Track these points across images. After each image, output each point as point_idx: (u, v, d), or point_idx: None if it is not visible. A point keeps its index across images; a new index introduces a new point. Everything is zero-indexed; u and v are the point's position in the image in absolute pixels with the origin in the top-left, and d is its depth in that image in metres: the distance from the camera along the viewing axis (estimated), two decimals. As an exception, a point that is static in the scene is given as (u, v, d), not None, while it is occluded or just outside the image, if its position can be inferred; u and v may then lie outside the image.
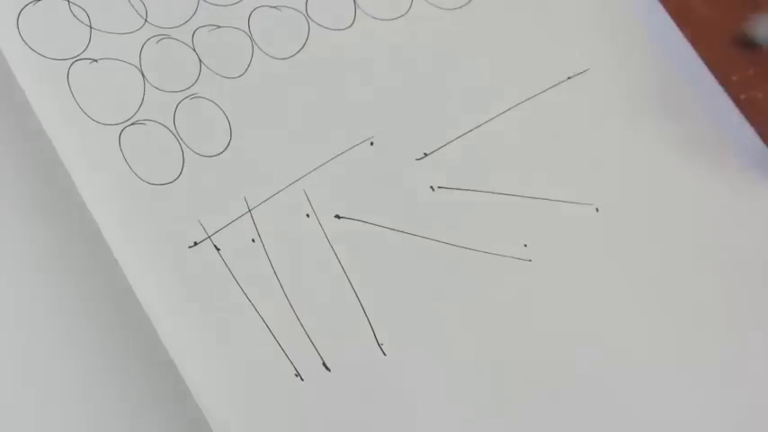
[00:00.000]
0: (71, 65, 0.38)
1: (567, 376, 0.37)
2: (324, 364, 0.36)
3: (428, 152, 0.40)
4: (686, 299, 0.39)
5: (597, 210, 0.40)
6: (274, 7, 0.41)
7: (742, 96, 0.42)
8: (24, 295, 0.36)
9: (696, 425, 0.37)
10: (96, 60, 0.39)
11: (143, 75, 0.39)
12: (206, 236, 0.37)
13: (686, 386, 0.38)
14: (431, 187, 0.39)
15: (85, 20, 0.39)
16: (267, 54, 0.40)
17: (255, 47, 0.40)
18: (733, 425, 0.38)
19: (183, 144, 0.38)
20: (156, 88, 0.39)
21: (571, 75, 0.42)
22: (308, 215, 0.38)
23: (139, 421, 0.35)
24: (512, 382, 0.37)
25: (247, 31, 0.40)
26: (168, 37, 0.40)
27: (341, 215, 0.38)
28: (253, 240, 0.37)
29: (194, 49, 0.40)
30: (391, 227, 0.38)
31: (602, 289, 0.39)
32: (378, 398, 0.36)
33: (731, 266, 0.40)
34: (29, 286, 0.36)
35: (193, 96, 0.39)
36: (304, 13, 0.41)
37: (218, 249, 0.37)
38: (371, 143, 0.39)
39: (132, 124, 0.38)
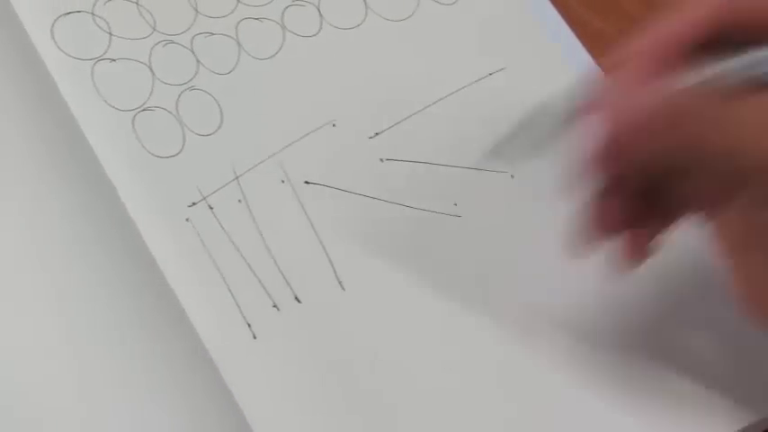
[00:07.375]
0: (95, 63, 0.43)
1: (492, 314, 0.41)
2: (295, 297, 0.40)
3: (379, 132, 0.44)
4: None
5: (512, 176, 0.43)
6: (257, 19, 0.45)
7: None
8: (55, 238, 0.40)
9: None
10: (115, 60, 0.43)
11: (152, 71, 0.43)
12: (202, 197, 0.41)
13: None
14: (380, 159, 0.43)
15: (106, 28, 0.44)
16: (251, 55, 0.45)
17: (242, 50, 0.45)
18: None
19: (183, 126, 0.42)
20: (163, 82, 0.43)
21: (491, 71, 0.46)
22: (282, 181, 0.42)
23: (138, 334, 0.39)
24: (447, 314, 0.40)
25: (235, 37, 0.45)
26: (172, 42, 0.44)
27: (309, 181, 0.42)
28: (239, 201, 0.41)
29: (193, 51, 0.44)
30: (349, 190, 0.42)
31: (518, 239, 0.42)
32: (342, 327, 0.39)
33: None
34: (59, 235, 0.40)
35: (192, 88, 0.43)
36: (281, 23, 0.45)
37: (211, 208, 0.41)
38: (334, 125, 0.43)
39: (143, 110, 0.42)
